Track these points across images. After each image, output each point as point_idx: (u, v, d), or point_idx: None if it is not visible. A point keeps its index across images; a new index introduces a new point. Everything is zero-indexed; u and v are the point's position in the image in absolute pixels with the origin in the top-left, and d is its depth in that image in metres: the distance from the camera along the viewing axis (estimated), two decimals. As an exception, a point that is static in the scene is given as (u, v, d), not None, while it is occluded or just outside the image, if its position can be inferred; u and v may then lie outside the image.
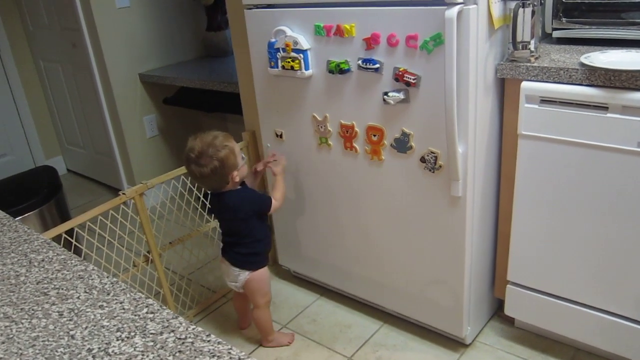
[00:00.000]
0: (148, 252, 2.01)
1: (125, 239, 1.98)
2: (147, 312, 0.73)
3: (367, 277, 2.04)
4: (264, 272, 1.91)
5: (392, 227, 1.87)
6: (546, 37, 1.77)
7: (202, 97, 2.84)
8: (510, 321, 1.97)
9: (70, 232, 1.77)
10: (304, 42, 1.78)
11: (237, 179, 1.77)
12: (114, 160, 3.24)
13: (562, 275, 1.68)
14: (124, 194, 1.88)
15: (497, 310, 2.04)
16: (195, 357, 0.64)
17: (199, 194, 2.24)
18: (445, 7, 1.42)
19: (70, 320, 0.74)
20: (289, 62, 1.83)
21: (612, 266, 1.57)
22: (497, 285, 1.91)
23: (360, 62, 1.68)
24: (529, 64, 1.54)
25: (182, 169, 2.09)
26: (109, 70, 2.94)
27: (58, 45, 3.30)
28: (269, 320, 1.98)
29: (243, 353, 0.63)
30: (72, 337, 0.70)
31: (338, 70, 1.73)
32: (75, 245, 1.79)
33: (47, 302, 0.78)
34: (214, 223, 2.33)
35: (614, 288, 1.59)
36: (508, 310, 1.86)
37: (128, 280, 1.97)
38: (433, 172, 1.67)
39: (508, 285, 1.82)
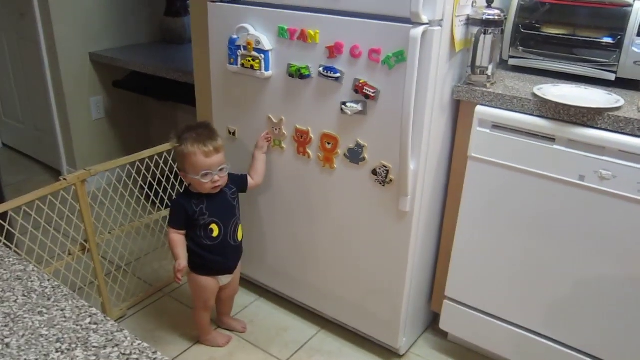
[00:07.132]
0: (85, 240, 1.94)
1: (62, 225, 1.90)
2: (90, 323, 0.70)
3: (309, 282, 2.04)
4: (192, 275, 1.87)
5: (337, 235, 1.88)
6: (502, 63, 1.81)
7: (154, 84, 2.76)
8: (443, 334, 2.02)
9: (3, 215, 1.68)
10: (266, 43, 1.76)
11: (187, 182, 1.78)
12: (54, 139, 3.10)
13: (494, 295, 1.74)
14: (65, 179, 1.80)
15: (432, 323, 2.09)
16: (139, 375, 0.62)
17: (143, 185, 2.17)
18: (410, 25, 1.44)
19: (5, 326, 0.70)
20: (249, 60, 1.81)
21: (542, 289, 1.64)
22: (435, 299, 1.95)
23: (321, 69, 1.67)
24: (484, 89, 1.58)
25: (128, 158, 2.03)
26: (57, 45, 2.81)
27: (4, 13, 3.12)
28: (202, 323, 1.96)
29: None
30: (7, 345, 0.66)
31: (298, 74, 1.72)
32: (7, 229, 1.70)
33: (-20, 303, 0.74)
34: (157, 215, 2.27)
35: (540, 309, 1.66)
36: (442, 325, 1.91)
37: (62, 269, 1.90)
38: (383, 185, 1.69)
39: (445, 301, 1.87)
